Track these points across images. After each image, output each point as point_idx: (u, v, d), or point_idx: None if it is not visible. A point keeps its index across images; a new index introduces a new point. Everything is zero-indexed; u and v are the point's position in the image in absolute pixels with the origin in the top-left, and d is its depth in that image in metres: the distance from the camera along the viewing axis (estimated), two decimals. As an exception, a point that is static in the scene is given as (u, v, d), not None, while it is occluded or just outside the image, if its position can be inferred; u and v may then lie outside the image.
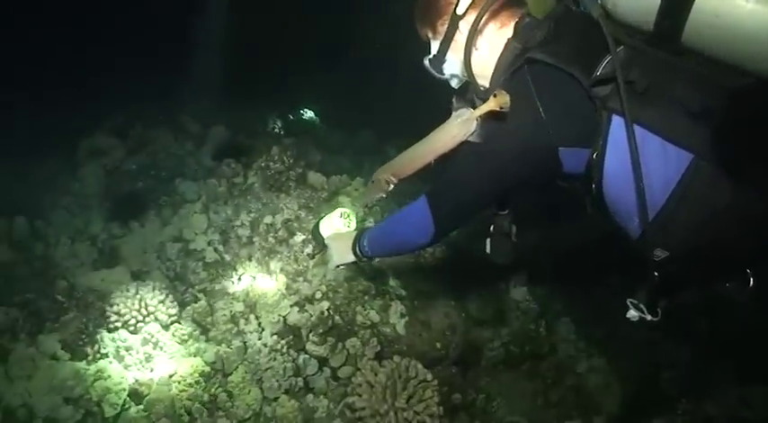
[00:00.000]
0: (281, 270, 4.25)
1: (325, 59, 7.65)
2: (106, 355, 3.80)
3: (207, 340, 4.03)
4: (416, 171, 2.21)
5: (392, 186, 2.29)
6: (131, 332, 3.89)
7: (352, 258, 2.52)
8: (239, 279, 4.37)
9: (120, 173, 5.59)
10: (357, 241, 2.47)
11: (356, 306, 4.15)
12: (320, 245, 2.74)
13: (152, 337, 3.87)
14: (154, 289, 4.04)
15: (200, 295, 4.31)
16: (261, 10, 7.41)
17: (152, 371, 3.81)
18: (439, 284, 4.52)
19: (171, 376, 3.76)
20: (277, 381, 3.77)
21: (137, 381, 3.73)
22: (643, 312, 1.91)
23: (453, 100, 2.17)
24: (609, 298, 4.47)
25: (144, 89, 6.46)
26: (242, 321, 4.04)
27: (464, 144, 2.00)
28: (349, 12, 7.45)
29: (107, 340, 3.83)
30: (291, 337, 3.93)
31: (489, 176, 1.97)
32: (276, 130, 7.04)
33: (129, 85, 6.26)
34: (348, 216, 2.72)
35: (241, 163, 5.25)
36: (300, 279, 4.17)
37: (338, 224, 2.69)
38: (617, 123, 1.72)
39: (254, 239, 4.44)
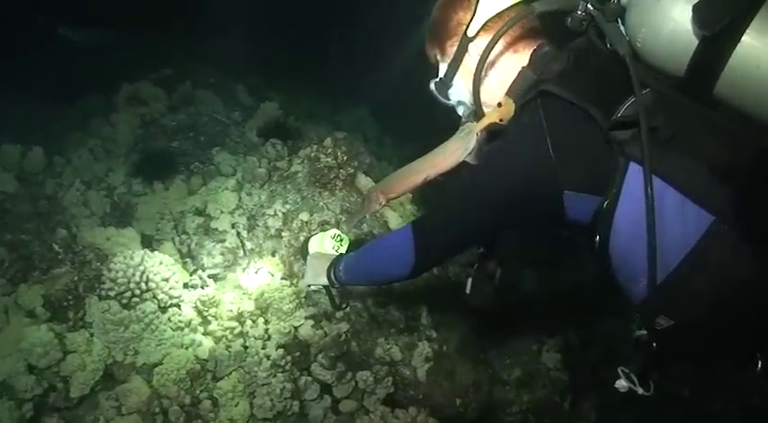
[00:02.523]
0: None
1: (393, 62, 7.33)
2: (89, 326, 3.34)
3: (205, 334, 3.53)
4: (411, 188, 2.15)
5: (382, 205, 2.19)
6: (123, 306, 3.39)
7: (324, 281, 2.35)
8: (256, 273, 3.88)
9: (157, 127, 5.14)
10: (334, 265, 2.30)
11: (378, 337, 3.67)
12: (304, 261, 2.56)
13: (145, 315, 3.37)
14: (161, 263, 3.55)
15: (210, 281, 3.83)
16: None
17: (135, 355, 3.33)
18: (474, 331, 4.06)
19: (155, 366, 3.28)
20: (271, 400, 3.29)
21: (115, 362, 3.26)
22: (634, 384, 1.77)
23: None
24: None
25: (202, 48, 6.20)
26: (248, 322, 3.54)
27: (463, 169, 1.91)
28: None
29: (94, 309, 3.35)
30: (298, 353, 3.44)
31: (484, 213, 1.80)
32: (327, 121, 6.69)
33: (187, 41, 5.94)
34: (341, 240, 2.53)
35: (287, 146, 4.79)
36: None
37: (328, 245, 2.51)
38: (634, 172, 1.56)
39: (284, 234, 3.93)
